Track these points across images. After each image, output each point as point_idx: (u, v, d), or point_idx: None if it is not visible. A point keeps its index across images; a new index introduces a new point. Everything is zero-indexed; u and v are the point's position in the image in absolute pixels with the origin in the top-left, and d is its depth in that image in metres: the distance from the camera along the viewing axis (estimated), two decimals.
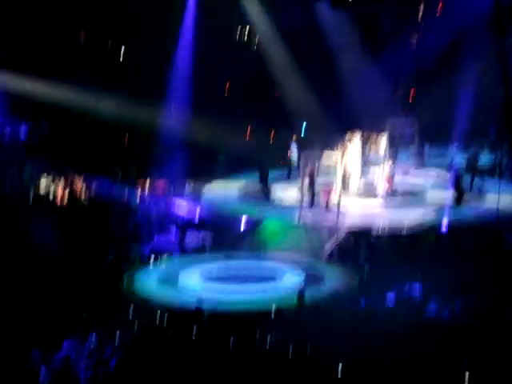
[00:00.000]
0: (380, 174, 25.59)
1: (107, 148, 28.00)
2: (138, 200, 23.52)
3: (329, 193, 22.32)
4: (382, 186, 25.08)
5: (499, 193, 21.19)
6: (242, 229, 21.21)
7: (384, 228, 21.13)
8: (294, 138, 34.14)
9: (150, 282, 17.65)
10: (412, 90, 40.43)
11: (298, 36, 36.35)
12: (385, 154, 26.87)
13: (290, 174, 26.96)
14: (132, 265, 18.65)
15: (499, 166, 24.72)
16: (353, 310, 15.09)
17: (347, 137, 25.59)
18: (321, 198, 22.41)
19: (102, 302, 15.27)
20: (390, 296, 15.69)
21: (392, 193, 24.60)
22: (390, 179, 24.67)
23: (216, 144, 28.94)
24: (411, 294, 15.85)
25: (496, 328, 13.50)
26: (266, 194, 24.53)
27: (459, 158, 28.50)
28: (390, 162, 25.93)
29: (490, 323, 13.74)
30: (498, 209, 20.89)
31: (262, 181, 25.16)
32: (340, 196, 22.39)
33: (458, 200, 22.37)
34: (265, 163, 26.09)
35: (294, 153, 27.50)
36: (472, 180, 23.99)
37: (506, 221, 20.08)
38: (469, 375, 11.88)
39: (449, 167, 25.74)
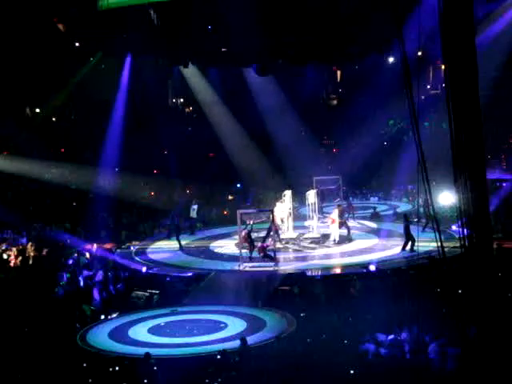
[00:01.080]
0: (313, 225, 26.95)
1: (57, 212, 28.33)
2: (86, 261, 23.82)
3: (264, 246, 23.11)
4: (314, 235, 26.45)
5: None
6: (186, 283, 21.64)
7: (318, 271, 21.98)
8: (230, 197, 35.06)
9: (101, 337, 17.78)
10: (335, 149, 41.89)
11: (233, 99, 37.47)
12: (313, 209, 28.02)
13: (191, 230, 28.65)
14: (84, 321, 18.76)
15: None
16: (292, 354, 15.10)
17: (279, 195, 26.65)
18: (259, 250, 23.07)
19: (56, 357, 15.37)
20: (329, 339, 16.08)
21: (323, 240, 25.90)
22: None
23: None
24: (350, 335, 15.91)
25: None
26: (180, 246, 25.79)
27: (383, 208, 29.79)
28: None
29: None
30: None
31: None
32: (275, 245, 23.26)
33: (411, 246, 22.68)
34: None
35: (194, 211, 29.00)
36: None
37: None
38: None
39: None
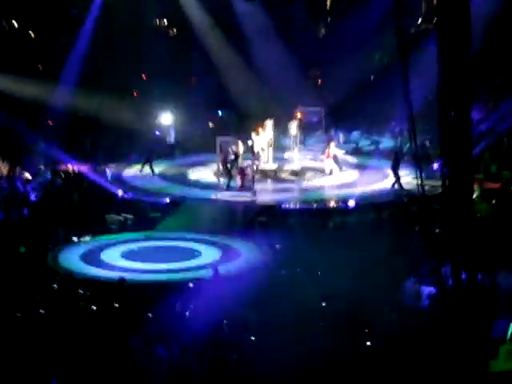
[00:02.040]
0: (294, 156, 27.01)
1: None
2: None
3: (243, 173, 23.10)
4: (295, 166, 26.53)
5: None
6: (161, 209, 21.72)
7: (296, 203, 22.12)
8: (210, 125, 34.77)
9: (73, 259, 17.84)
10: (319, 79, 41.46)
11: (220, 22, 36.82)
12: (295, 140, 28.10)
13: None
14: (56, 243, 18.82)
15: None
16: (265, 284, 15.19)
17: (261, 123, 26.48)
18: (237, 179, 23.13)
19: (28, 278, 15.43)
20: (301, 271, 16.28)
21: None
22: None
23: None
24: (321, 270, 16.11)
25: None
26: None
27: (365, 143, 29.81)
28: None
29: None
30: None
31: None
32: (254, 176, 23.29)
33: (398, 184, 22.83)
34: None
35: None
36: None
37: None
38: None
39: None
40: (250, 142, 24.47)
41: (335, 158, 25.79)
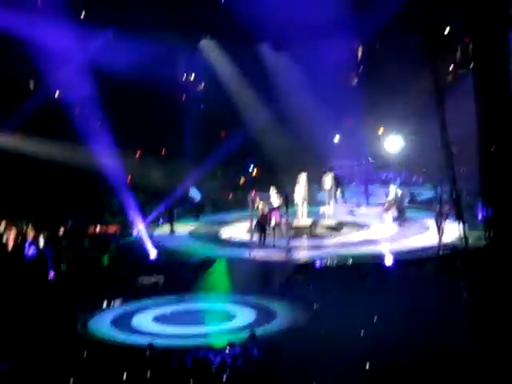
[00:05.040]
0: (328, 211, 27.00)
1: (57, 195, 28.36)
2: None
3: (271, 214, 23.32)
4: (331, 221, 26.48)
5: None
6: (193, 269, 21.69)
7: (334, 260, 21.99)
8: (242, 180, 34.95)
9: (104, 325, 17.80)
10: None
11: (251, 77, 37.32)
12: (330, 193, 28.06)
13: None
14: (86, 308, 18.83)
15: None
16: (305, 346, 15.05)
17: (296, 178, 26.50)
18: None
19: (57, 344, 15.42)
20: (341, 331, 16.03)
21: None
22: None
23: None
24: (363, 327, 15.88)
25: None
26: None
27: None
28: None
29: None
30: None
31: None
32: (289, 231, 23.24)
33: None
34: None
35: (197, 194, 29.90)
36: None
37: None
38: None
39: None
40: (281, 197, 24.50)
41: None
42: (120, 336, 16.92)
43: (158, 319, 18.11)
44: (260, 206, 23.85)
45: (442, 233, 22.36)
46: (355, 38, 38.99)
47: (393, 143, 34.04)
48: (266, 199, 24.78)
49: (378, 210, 28.18)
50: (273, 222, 23.95)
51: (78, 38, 29.98)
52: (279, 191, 25.19)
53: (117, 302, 19.49)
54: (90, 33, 31.12)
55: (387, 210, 25.21)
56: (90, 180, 30.85)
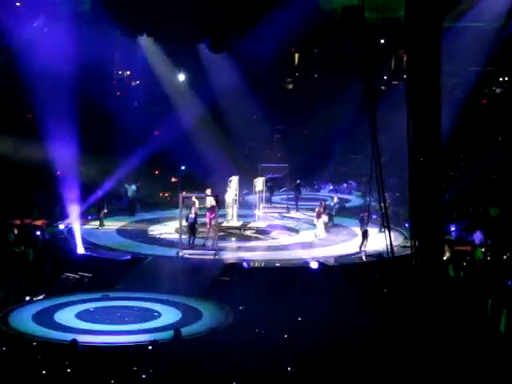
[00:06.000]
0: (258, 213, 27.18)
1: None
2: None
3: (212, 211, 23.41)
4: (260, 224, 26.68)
5: None
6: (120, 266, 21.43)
7: (261, 263, 22.13)
8: (174, 180, 34.83)
9: (25, 320, 17.40)
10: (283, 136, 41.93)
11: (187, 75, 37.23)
12: (260, 196, 28.32)
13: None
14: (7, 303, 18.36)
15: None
16: (227, 347, 14.96)
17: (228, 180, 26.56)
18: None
19: None
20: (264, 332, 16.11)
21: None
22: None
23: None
24: (286, 330, 15.91)
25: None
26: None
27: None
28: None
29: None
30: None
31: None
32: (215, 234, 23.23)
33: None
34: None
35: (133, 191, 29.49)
36: None
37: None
38: None
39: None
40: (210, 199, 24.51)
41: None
42: (41, 331, 16.56)
43: (81, 316, 17.79)
44: (194, 206, 23.73)
45: (366, 239, 22.78)
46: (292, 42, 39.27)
47: None
48: (198, 200, 24.72)
49: (307, 215, 28.60)
50: (207, 222, 23.90)
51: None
52: (212, 192, 25.20)
53: (39, 297, 19.08)
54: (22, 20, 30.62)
55: (318, 215, 25.45)
56: (18, 172, 30.32)
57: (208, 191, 25.33)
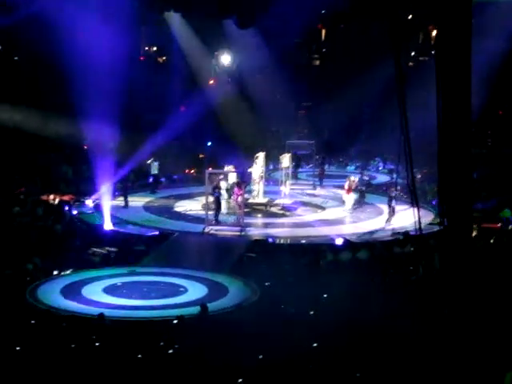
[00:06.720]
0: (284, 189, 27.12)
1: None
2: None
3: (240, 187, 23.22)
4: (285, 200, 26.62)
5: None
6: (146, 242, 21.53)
7: (287, 239, 22.12)
8: (201, 156, 34.78)
9: (53, 294, 17.55)
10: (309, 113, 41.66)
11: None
12: (286, 172, 28.21)
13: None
14: (35, 277, 18.51)
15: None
16: (255, 323, 14.99)
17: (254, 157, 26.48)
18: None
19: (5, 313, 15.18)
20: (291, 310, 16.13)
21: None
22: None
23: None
24: (312, 307, 15.98)
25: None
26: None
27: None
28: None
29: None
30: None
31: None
32: (243, 209, 23.18)
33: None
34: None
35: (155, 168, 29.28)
36: None
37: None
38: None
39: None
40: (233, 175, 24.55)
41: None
42: (69, 305, 16.70)
43: (109, 290, 17.90)
44: (222, 183, 23.73)
45: (393, 215, 22.72)
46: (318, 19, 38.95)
47: None
48: (224, 176, 24.73)
49: (334, 192, 28.48)
50: (234, 198, 23.81)
51: None
52: (237, 169, 25.20)
53: (67, 272, 19.22)
54: None
55: (348, 191, 25.29)
56: (45, 148, 30.44)
57: (231, 167, 25.27)
